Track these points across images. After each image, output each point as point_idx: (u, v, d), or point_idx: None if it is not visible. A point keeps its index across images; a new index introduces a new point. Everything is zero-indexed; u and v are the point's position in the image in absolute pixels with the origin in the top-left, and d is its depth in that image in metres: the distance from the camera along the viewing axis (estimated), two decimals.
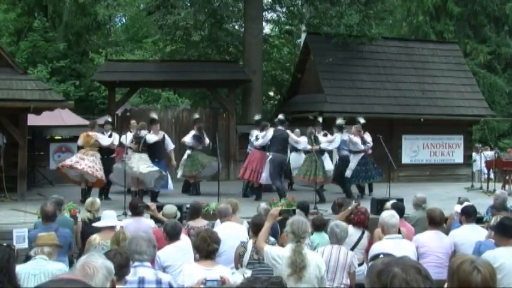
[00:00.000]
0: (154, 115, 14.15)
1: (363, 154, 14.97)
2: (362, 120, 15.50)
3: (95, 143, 13.77)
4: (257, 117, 15.98)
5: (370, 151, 15.18)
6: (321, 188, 14.73)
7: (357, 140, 14.83)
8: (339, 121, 14.99)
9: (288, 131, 14.65)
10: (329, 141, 14.62)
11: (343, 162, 15.04)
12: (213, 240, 5.81)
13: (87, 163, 13.40)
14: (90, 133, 13.85)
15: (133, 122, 14.95)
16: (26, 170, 15.07)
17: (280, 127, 14.47)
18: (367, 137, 15.16)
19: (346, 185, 14.95)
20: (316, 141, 14.33)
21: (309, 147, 14.32)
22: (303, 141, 14.63)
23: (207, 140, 15.57)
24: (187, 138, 15.47)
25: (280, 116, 14.82)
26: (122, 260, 4.89)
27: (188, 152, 15.48)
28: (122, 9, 31.05)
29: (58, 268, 5.87)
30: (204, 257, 5.81)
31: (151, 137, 13.43)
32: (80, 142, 14.13)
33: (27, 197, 14.41)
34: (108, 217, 7.65)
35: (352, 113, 18.12)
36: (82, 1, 27.16)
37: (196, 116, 16.19)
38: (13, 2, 29.95)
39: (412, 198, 10.04)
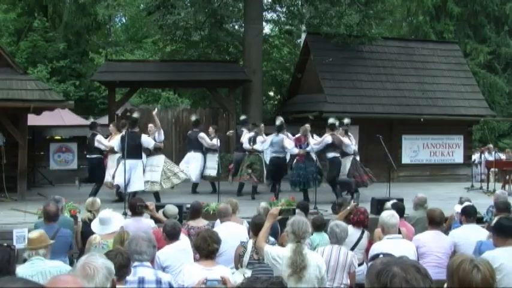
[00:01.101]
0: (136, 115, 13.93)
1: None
2: (346, 120, 15.32)
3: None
4: (243, 117, 16.12)
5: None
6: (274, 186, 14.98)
7: (348, 141, 14.65)
8: (331, 120, 14.75)
9: (283, 136, 14.72)
10: (316, 143, 14.47)
11: (333, 165, 14.47)
12: (213, 240, 5.80)
13: None
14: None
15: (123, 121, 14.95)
16: (26, 170, 15.09)
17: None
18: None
19: (333, 188, 14.82)
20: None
21: (296, 151, 14.28)
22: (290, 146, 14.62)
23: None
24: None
25: (278, 122, 14.84)
26: (122, 260, 4.88)
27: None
28: (122, 9, 31.11)
29: (55, 265, 5.86)
30: (204, 257, 5.81)
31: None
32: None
33: (27, 197, 14.43)
34: (108, 222, 7.54)
35: (352, 113, 18.10)
36: (82, 1, 27.19)
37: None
38: (13, 2, 29.99)
39: (413, 198, 10.06)
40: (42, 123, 17.96)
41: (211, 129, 15.68)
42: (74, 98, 23.88)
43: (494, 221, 7.31)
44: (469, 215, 7.96)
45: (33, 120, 15.86)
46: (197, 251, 5.93)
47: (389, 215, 7.17)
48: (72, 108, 17.83)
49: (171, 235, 6.94)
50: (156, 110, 14.28)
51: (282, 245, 6.83)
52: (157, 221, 8.62)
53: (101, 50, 29.72)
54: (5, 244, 5.38)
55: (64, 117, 20.11)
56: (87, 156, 14.37)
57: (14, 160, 14.81)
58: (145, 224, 8.28)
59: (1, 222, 10.84)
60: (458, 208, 8.92)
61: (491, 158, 19.15)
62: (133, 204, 8.63)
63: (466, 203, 8.94)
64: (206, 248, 5.74)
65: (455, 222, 9.03)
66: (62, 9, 30.18)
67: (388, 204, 9.42)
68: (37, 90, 14.43)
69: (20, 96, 14.09)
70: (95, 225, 7.59)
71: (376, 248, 6.91)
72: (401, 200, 10.67)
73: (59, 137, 18.76)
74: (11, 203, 13.63)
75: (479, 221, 9.07)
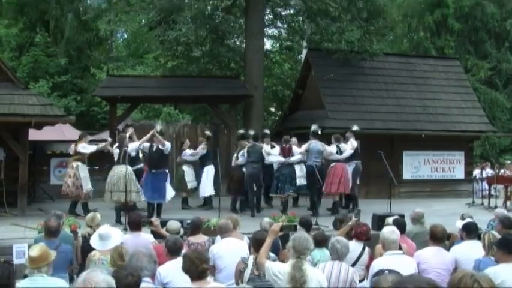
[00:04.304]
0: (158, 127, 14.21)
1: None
2: (355, 128, 15.63)
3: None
4: (241, 131, 16.41)
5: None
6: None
7: (331, 149, 14.81)
8: (314, 128, 14.94)
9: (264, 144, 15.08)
10: (301, 152, 14.67)
11: (311, 174, 14.61)
12: (202, 260, 5.46)
13: None
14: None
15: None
16: (26, 185, 15.06)
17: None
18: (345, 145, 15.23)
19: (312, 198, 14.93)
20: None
21: (282, 159, 14.57)
22: (274, 154, 14.72)
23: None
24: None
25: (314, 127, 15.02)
26: (132, 280, 4.70)
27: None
28: (123, 25, 31.22)
29: (55, 283, 5.82)
30: (196, 279, 5.46)
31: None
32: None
33: (28, 212, 14.38)
34: (107, 237, 7.52)
35: (360, 129, 18.08)
36: (84, 17, 27.25)
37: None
38: (15, 17, 30.07)
39: (410, 213, 10.09)
40: (43, 138, 17.94)
41: (201, 139, 16.29)
42: (75, 113, 23.88)
43: (488, 235, 7.28)
44: (470, 231, 7.94)
45: (34, 135, 15.85)
46: (187, 274, 5.54)
47: (390, 231, 7.13)
48: (73, 123, 17.84)
49: (173, 251, 6.91)
50: (158, 126, 14.26)
51: (283, 261, 6.80)
52: (160, 236, 8.59)
53: (102, 65, 29.79)
54: (2, 260, 5.35)
55: (65, 132, 20.08)
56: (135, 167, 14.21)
57: (14, 175, 14.77)
58: (144, 239, 8.26)
59: (1, 237, 10.80)
60: (460, 224, 8.89)
61: (491, 174, 19.12)
62: (133, 219, 8.62)
63: (468, 219, 8.92)
64: (196, 270, 5.42)
65: (458, 239, 8.99)
66: (63, 25, 30.27)
67: (389, 220, 9.39)
68: (38, 105, 14.43)
69: (21, 111, 14.09)
70: (94, 241, 7.56)
71: (377, 264, 6.87)
72: (402, 216, 10.63)
73: (60, 152, 18.75)
74: (11, 218, 13.60)
75: (480, 237, 9.03)
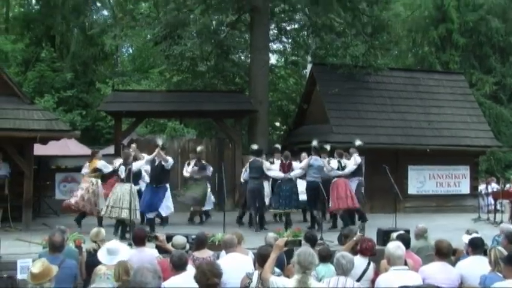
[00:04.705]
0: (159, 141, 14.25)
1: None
2: (358, 143, 15.57)
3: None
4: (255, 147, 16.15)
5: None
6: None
7: (332, 165, 14.79)
8: (314, 143, 14.94)
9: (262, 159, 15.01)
10: (302, 167, 14.64)
11: (310, 189, 14.70)
12: (213, 273, 5.48)
13: None
14: None
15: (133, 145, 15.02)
16: (31, 200, 15.04)
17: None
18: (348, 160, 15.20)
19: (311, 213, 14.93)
20: None
21: (282, 175, 14.50)
22: (273, 169, 14.70)
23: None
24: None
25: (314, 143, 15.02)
26: None
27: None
28: (129, 40, 31.37)
29: None
30: None
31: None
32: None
33: (32, 227, 14.35)
34: (116, 252, 7.53)
35: (364, 144, 18.06)
36: (89, 32, 27.38)
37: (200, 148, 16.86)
38: (21, 33, 30.27)
39: (414, 229, 10.07)
40: (48, 153, 17.96)
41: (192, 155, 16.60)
42: (80, 127, 23.92)
43: (494, 250, 7.24)
44: (476, 246, 7.89)
45: (39, 149, 15.87)
46: (198, 284, 5.70)
47: (395, 246, 7.10)
48: (78, 138, 17.87)
49: (178, 266, 6.88)
50: (159, 141, 14.27)
51: (288, 276, 6.77)
52: (165, 251, 8.57)
53: (108, 80, 29.87)
54: (5, 276, 5.35)
55: (70, 146, 20.11)
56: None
57: (19, 190, 14.79)
58: (149, 254, 8.25)
59: (5, 252, 10.76)
60: (466, 239, 8.84)
61: (496, 189, 19.04)
62: (137, 234, 8.60)
63: (474, 235, 8.88)
64: (205, 282, 5.43)
65: (463, 255, 8.94)
66: (69, 40, 30.41)
67: (394, 235, 9.36)
68: (44, 120, 14.45)
69: (27, 126, 14.11)
70: (102, 255, 7.55)
71: (382, 280, 6.85)
72: (407, 231, 10.57)
73: (65, 167, 18.76)
74: (15, 233, 13.57)
75: (487, 252, 8.99)
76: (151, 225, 13.72)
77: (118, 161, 13.67)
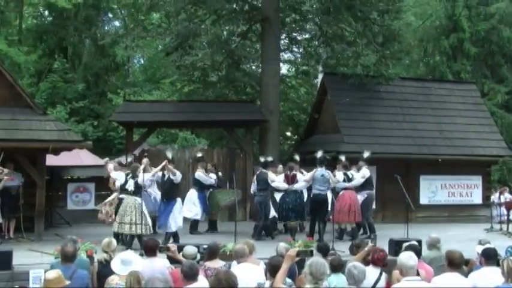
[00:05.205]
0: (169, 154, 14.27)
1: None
2: (366, 154, 15.47)
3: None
4: (270, 158, 16.09)
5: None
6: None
7: (338, 177, 14.72)
8: (319, 155, 14.80)
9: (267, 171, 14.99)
10: (306, 180, 14.55)
11: (316, 202, 14.58)
12: (228, 283, 5.49)
13: None
14: None
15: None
16: (43, 210, 15.13)
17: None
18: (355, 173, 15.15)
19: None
20: None
21: (285, 186, 14.46)
22: (277, 181, 14.64)
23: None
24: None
25: (319, 154, 14.83)
26: None
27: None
28: (140, 51, 31.47)
29: None
30: None
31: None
32: None
33: (45, 237, 14.43)
34: (129, 262, 7.55)
35: (371, 154, 18.03)
36: (101, 43, 27.52)
37: (199, 154, 16.92)
38: (34, 44, 30.49)
39: (426, 239, 10.01)
40: (60, 163, 18.04)
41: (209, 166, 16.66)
42: (92, 138, 23.96)
43: (507, 261, 7.18)
44: (490, 257, 7.82)
45: (50, 160, 15.94)
46: None
47: (407, 257, 7.06)
48: (90, 149, 17.94)
49: (189, 276, 6.88)
50: (169, 154, 14.29)
51: (300, 287, 6.75)
52: (176, 262, 8.58)
53: (119, 91, 30.02)
54: (18, 286, 5.38)
55: (82, 157, 20.17)
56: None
57: (31, 200, 14.87)
58: (160, 264, 8.25)
59: (18, 262, 10.81)
60: (479, 249, 8.79)
61: (509, 199, 18.93)
62: (149, 245, 8.61)
63: (487, 245, 8.82)
64: None
65: (476, 265, 8.89)
66: (81, 51, 30.58)
67: (405, 245, 9.32)
68: (56, 131, 14.56)
69: (39, 136, 14.23)
70: (116, 265, 7.59)
71: None
72: (419, 241, 10.54)
73: (77, 177, 18.83)
74: (28, 244, 13.64)
75: (500, 263, 8.93)
76: (175, 236, 13.75)
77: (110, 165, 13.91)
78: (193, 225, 16.06)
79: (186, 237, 14.06)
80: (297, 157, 15.34)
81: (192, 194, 16.15)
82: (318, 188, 14.50)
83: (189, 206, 15.85)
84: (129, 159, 14.94)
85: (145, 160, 14.41)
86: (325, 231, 14.35)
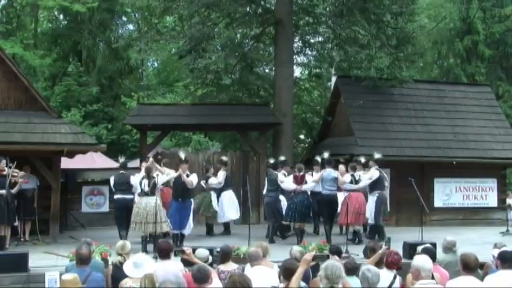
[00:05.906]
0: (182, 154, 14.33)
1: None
2: (376, 156, 15.40)
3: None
4: (282, 158, 16.20)
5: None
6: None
7: (345, 178, 14.67)
8: (326, 155, 14.76)
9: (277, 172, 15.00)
10: (314, 180, 14.50)
11: (325, 202, 14.63)
12: (243, 285, 5.57)
13: None
14: None
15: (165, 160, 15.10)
16: (58, 213, 15.22)
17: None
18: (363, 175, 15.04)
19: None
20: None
21: (293, 187, 14.39)
22: (286, 181, 14.63)
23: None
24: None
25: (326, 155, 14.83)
26: None
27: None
28: (154, 54, 31.56)
29: None
30: None
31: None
32: None
33: (60, 240, 14.52)
34: (141, 265, 7.58)
35: (383, 156, 17.99)
36: (115, 46, 27.66)
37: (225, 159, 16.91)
38: (49, 48, 30.73)
39: (442, 242, 9.94)
40: (75, 166, 18.13)
41: (218, 166, 16.55)
42: (106, 141, 24.11)
43: None
44: (505, 260, 7.76)
45: (65, 163, 16.04)
46: None
47: (422, 260, 7.05)
48: (104, 152, 18.02)
49: (199, 279, 6.88)
50: (181, 154, 14.34)
51: None
52: (191, 264, 8.58)
53: (133, 94, 30.11)
54: None
55: (96, 160, 20.28)
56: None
57: (46, 203, 14.97)
58: (174, 267, 8.26)
59: (33, 265, 10.87)
60: (495, 252, 8.73)
61: None
62: (162, 247, 8.62)
63: (503, 248, 8.76)
64: None
65: (492, 269, 8.83)
66: (95, 54, 30.73)
67: (420, 248, 9.28)
68: (70, 134, 14.65)
69: (54, 139, 14.33)
70: (128, 268, 7.62)
71: None
72: (434, 245, 10.48)
73: (91, 180, 18.93)
74: (43, 246, 13.72)
75: None
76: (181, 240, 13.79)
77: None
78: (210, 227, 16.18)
79: (200, 240, 14.08)
80: (318, 158, 15.16)
81: (232, 194, 16.35)
82: (327, 188, 14.52)
83: (232, 207, 16.26)
84: (121, 159, 14.86)
85: (164, 160, 14.49)
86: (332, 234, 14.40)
